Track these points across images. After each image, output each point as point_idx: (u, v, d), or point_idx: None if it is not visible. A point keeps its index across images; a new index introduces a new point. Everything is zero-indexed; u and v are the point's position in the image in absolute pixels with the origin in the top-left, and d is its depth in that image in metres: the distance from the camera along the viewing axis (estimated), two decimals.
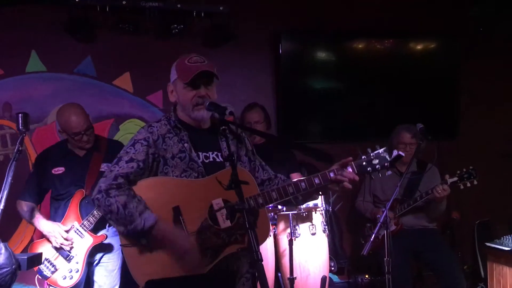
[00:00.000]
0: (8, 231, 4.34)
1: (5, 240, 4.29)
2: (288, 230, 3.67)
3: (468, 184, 3.98)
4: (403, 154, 2.41)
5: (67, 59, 4.60)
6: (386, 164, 2.32)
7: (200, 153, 2.31)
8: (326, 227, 3.82)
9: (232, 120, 2.39)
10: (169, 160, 2.24)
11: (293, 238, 3.59)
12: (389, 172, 2.38)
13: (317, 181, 2.27)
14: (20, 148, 2.99)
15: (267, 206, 2.25)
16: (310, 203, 3.62)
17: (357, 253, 4.55)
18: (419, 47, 5.41)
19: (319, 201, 3.69)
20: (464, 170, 4.00)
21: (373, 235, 3.18)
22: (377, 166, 2.32)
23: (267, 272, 3.60)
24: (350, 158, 2.32)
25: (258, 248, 1.77)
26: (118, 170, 2.18)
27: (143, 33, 4.60)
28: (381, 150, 2.33)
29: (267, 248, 3.67)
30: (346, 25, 5.10)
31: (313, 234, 3.73)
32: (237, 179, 1.88)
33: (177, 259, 2.10)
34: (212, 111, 2.24)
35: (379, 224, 3.21)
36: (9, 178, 2.86)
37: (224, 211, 2.13)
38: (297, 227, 3.70)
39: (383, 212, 3.25)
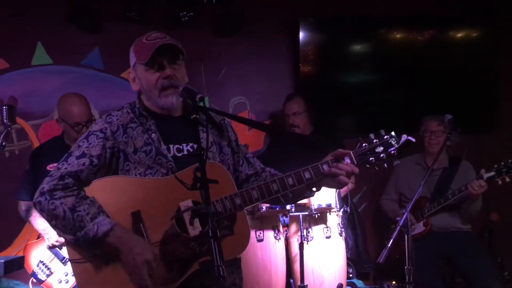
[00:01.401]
0: (9, 233, 4.18)
1: (7, 244, 4.17)
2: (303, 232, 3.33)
3: (507, 179, 3.57)
4: (413, 140, 1.96)
5: (74, 51, 4.41)
6: (392, 151, 1.93)
7: (171, 146, 1.96)
8: (343, 229, 3.46)
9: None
10: (131, 155, 1.90)
11: (304, 241, 3.25)
12: (397, 162, 1.98)
13: (307, 175, 1.92)
14: (3, 143, 2.79)
15: (247, 207, 1.88)
16: (323, 203, 3.27)
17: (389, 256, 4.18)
18: (455, 34, 4.92)
19: (332, 200, 3.33)
20: (503, 163, 3.59)
21: (391, 240, 2.79)
22: (381, 155, 1.93)
23: (277, 278, 3.29)
24: (348, 151, 1.96)
25: (221, 263, 1.43)
26: (66, 168, 1.85)
27: (150, 22, 4.34)
28: (386, 135, 1.95)
29: (276, 253, 3.35)
30: (372, 11, 4.68)
31: (328, 237, 3.38)
32: (204, 177, 1.55)
33: (137, 275, 1.75)
34: (186, 98, 1.89)
35: (397, 228, 2.82)
36: None
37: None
38: (309, 229, 3.36)
39: (403, 214, 2.87)
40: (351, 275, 3.71)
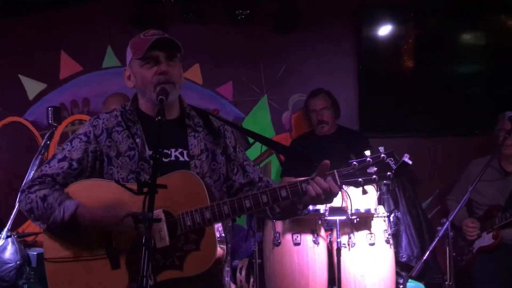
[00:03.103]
0: None
1: None
2: (342, 238, 3.15)
3: None
4: (409, 162, 1.70)
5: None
6: (389, 173, 1.71)
7: None
8: (391, 236, 3.20)
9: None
10: (114, 159, 1.88)
11: (342, 247, 3.06)
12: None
13: (284, 194, 1.74)
14: (48, 143, 2.98)
15: (218, 223, 1.77)
16: (361, 208, 3.05)
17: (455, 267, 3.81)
18: None
19: (372, 205, 3.09)
20: None
21: (427, 252, 2.52)
22: (373, 177, 1.72)
23: (315, 284, 3.15)
24: (327, 162, 1.76)
25: (146, 273, 1.36)
26: (46, 171, 1.87)
27: (208, 22, 4.40)
28: (383, 154, 1.73)
29: (315, 258, 3.19)
30: None
31: (372, 244, 3.15)
32: (153, 181, 1.49)
33: (128, 222, 1.70)
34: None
35: (436, 239, 2.54)
36: (31, 173, 2.86)
37: (161, 225, 1.71)
38: (351, 235, 3.15)
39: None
40: (401, 286, 3.42)
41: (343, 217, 3.06)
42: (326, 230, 3.29)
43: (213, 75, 4.57)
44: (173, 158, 1.91)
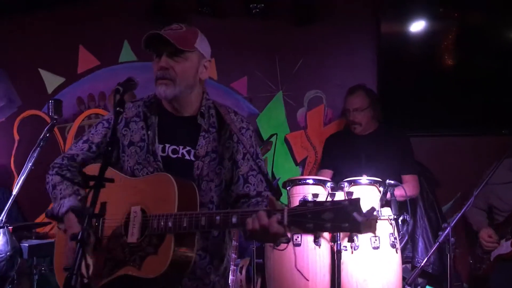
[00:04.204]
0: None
1: None
2: (344, 241, 3.01)
3: None
4: (359, 220, 1.46)
5: None
6: (345, 225, 1.47)
7: (167, 146, 1.93)
8: (397, 240, 3.04)
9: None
10: (125, 148, 1.95)
11: (342, 250, 2.93)
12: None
13: (234, 220, 1.64)
14: (47, 135, 2.99)
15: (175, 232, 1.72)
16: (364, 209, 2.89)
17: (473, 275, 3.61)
18: None
19: (375, 205, 2.93)
20: None
21: (425, 260, 2.35)
22: (327, 225, 1.47)
23: (316, 287, 3.03)
24: (272, 198, 1.63)
25: (76, 270, 1.31)
26: (70, 150, 2.01)
27: (223, 16, 4.33)
28: (345, 201, 1.49)
29: (315, 260, 3.05)
30: None
31: (376, 248, 2.99)
32: (101, 176, 1.44)
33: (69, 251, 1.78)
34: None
35: (436, 245, 2.37)
36: (29, 164, 2.87)
37: (136, 221, 1.73)
38: (355, 237, 3.01)
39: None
40: None
41: None
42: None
43: (227, 70, 4.50)
44: (179, 155, 1.92)
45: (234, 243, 3.64)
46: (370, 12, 4.24)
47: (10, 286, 2.62)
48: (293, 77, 4.40)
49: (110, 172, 1.79)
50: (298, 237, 3.07)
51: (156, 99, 1.99)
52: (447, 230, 2.37)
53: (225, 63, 4.49)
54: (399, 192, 3.19)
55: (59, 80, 4.72)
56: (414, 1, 4.16)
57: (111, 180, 1.50)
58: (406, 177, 3.59)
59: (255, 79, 4.45)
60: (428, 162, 4.11)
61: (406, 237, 3.85)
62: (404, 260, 3.49)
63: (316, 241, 3.07)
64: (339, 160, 3.69)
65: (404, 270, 3.65)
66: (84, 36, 4.65)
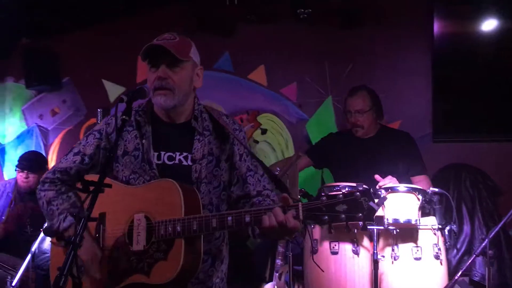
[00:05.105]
0: None
1: None
2: (385, 250, 2.91)
3: None
4: (376, 208, 1.56)
5: (207, 55, 4.69)
6: (359, 215, 1.57)
7: (162, 153, 1.93)
8: (441, 251, 2.88)
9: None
10: (119, 158, 1.94)
11: (379, 259, 2.83)
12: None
13: (247, 219, 1.67)
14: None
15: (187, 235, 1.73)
16: (401, 218, 2.78)
17: None
18: None
19: (414, 215, 2.79)
20: None
21: (459, 272, 2.22)
22: (342, 216, 1.58)
23: None
24: (285, 195, 1.64)
25: (67, 271, 1.36)
26: (61, 163, 1.99)
27: (271, 23, 4.35)
28: (358, 192, 1.58)
29: (354, 269, 2.96)
30: None
31: (417, 259, 2.86)
32: (100, 180, 1.50)
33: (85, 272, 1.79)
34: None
35: (472, 258, 2.23)
36: None
37: (140, 229, 1.75)
38: (395, 247, 2.90)
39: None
40: None
41: (381, 227, 2.82)
42: (371, 241, 3.06)
43: (277, 76, 4.51)
44: (176, 161, 1.92)
45: (279, 249, 3.63)
46: (423, 12, 4.07)
47: None
48: (343, 82, 4.31)
49: (107, 181, 1.79)
50: (335, 245, 3.00)
51: (148, 108, 2.00)
52: (485, 242, 2.22)
53: (274, 69, 4.51)
54: None
55: (120, 89, 4.97)
56: (469, 2, 3.94)
57: (110, 186, 1.55)
58: (417, 178, 3.36)
59: (304, 85, 4.43)
60: (489, 169, 3.87)
61: (463, 250, 3.65)
62: (463, 273, 3.30)
63: (354, 250, 2.99)
64: (335, 161, 3.57)
65: (461, 284, 3.46)
66: (140, 47, 4.84)
